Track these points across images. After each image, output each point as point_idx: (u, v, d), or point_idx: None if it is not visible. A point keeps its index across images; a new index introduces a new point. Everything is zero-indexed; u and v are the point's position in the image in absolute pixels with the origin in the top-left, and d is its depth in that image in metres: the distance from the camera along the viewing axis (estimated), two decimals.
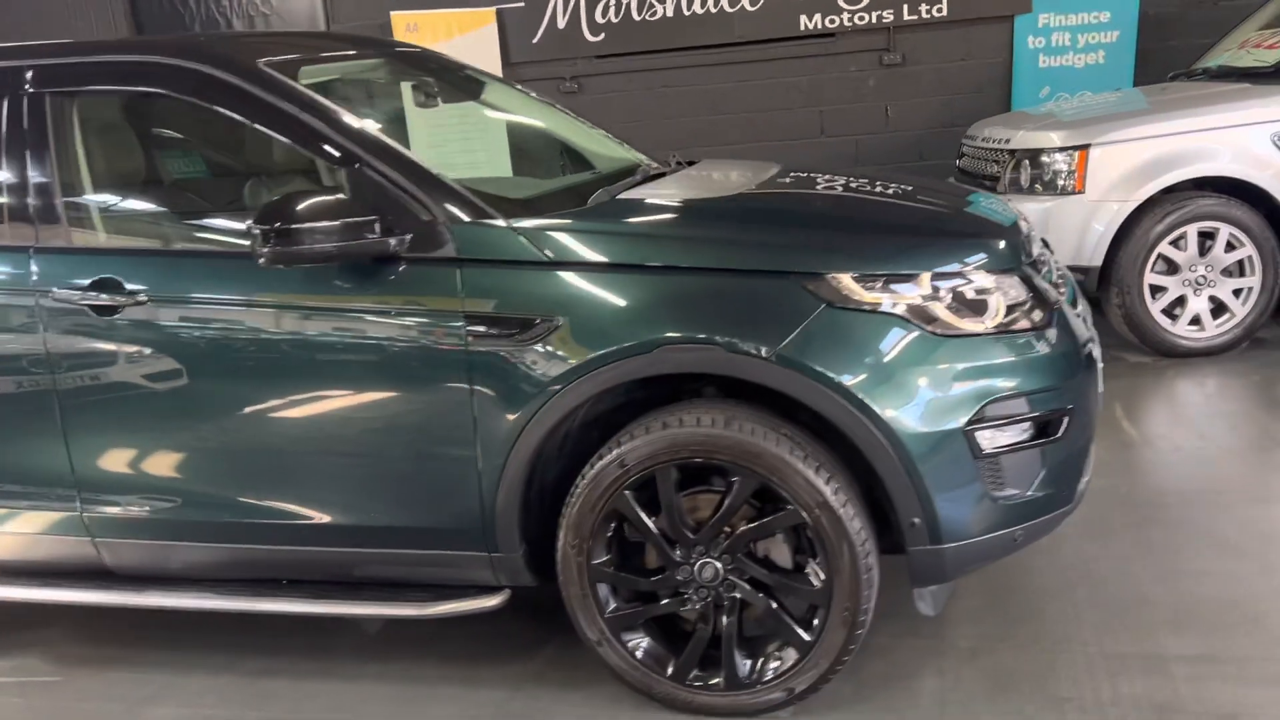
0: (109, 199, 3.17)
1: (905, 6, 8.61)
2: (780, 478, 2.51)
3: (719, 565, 2.63)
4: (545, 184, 3.51)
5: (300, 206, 2.58)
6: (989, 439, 2.53)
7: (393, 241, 2.65)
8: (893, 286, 2.54)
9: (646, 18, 8.93)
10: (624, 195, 3.02)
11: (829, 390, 2.46)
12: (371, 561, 2.94)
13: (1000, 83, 8.71)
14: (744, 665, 2.69)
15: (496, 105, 4.19)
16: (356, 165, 2.73)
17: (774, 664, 2.68)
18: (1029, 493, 2.61)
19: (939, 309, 2.53)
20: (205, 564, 3.06)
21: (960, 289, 2.57)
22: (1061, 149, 5.51)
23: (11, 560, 3.21)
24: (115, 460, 3.00)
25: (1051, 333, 2.62)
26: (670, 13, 9.05)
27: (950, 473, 2.50)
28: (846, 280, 2.52)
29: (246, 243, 2.69)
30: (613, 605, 2.75)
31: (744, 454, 2.53)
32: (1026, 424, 2.57)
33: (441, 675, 3.05)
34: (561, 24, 9.24)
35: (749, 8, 8.89)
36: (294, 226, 2.57)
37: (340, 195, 2.68)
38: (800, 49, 8.73)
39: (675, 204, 3.05)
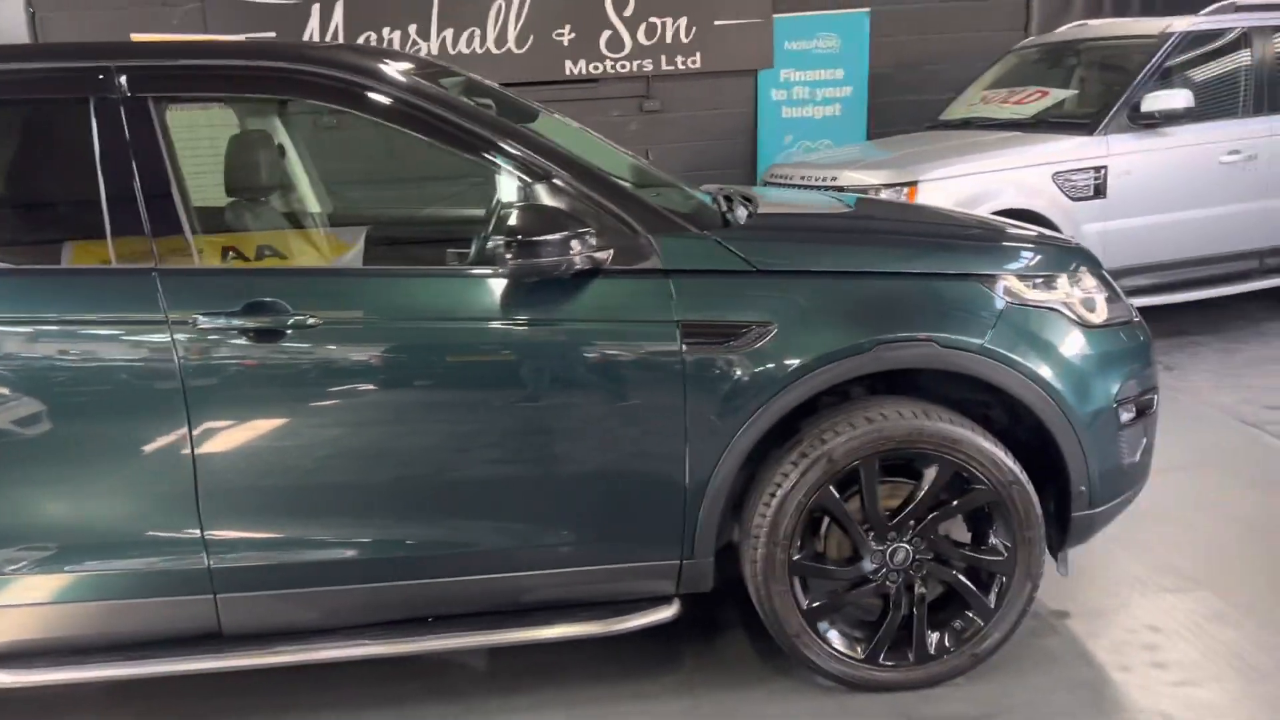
0: (243, 214, 2.85)
1: (663, 58, 9.22)
2: (976, 461, 2.80)
3: (909, 548, 2.86)
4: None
5: (538, 219, 2.53)
6: (1124, 414, 2.97)
7: (601, 254, 2.65)
8: (1045, 286, 2.91)
9: None
10: (771, 210, 3.18)
11: (1024, 377, 2.79)
12: (548, 584, 2.85)
13: (748, 131, 9.55)
14: (932, 639, 2.92)
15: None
16: (553, 180, 2.70)
17: (957, 634, 2.93)
18: (1138, 461, 3.07)
19: (1076, 305, 2.94)
20: (350, 609, 2.81)
21: (1081, 288, 3.00)
22: (890, 185, 6.23)
23: (97, 634, 2.75)
24: (255, 502, 2.69)
25: (1139, 323, 3.12)
26: (435, 51, 9.08)
27: (1104, 444, 2.91)
28: (1015, 280, 2.87)
29: (425, 259, 2.58)
30: (807, 599, 2.88)
31: (946, 441, 2.79)
32: (1138, 401, 3.04)
33: (611, 694, 3.00)
34: None
35: (516, 51, 9.13)
36: (536, 239, 2.51)
37: (558, 208, 2.63)
38: (565, 93, 9.07)
39: (844, 216, 3.25)
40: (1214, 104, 6.62)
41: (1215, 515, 3.92)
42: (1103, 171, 6.41)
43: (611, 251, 2.68)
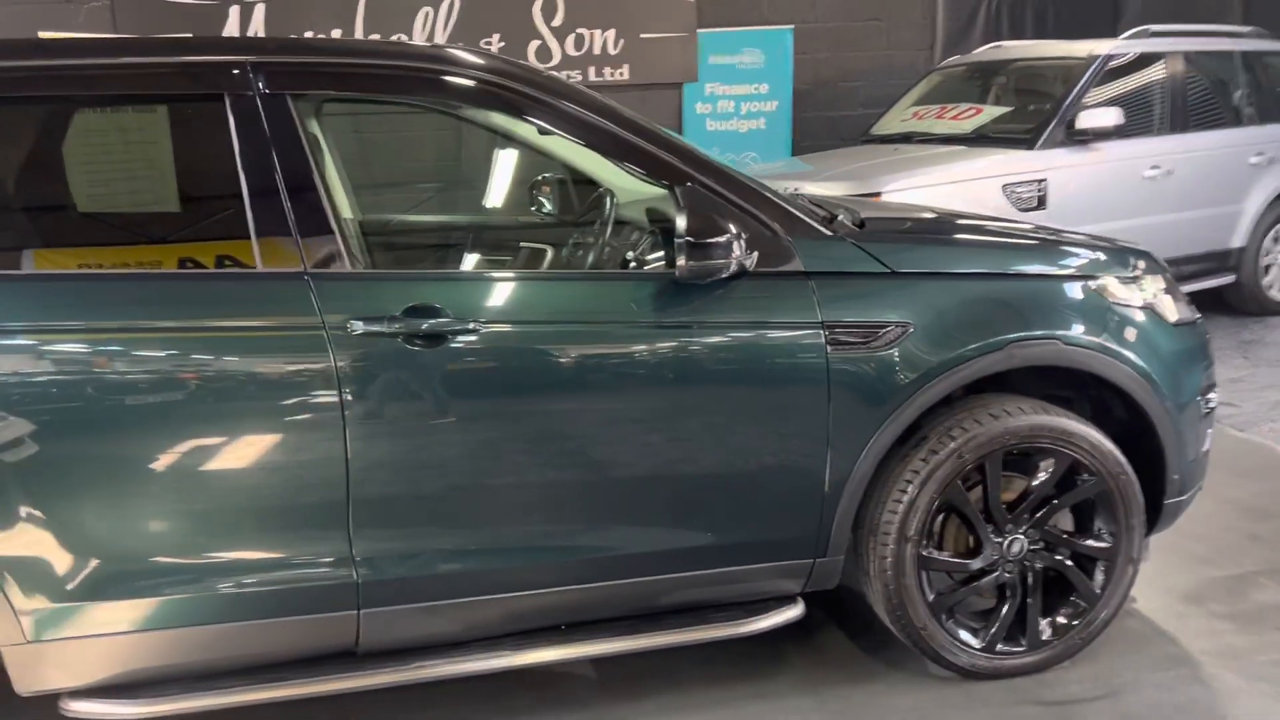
0: (391, 217, 2.74)
1: (592, 69, 9.27)
2: (1089, 454, 2.94)
3: (1024, 539, 2.98)
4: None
5: (706, 222, 2.55)
6: (1204, 407, 3.17)
7: (752, 257, 2.68)
8: (1136, 287, 3.09)
9: None
10: (882, 215, 3.25)
11: (1133, 371, 2.95)
12: (686, 586, 2.85)
13: None
14: (1043, 625, 3.05)
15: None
16: (699, 184, 2.71)
17: (1066, 620, 3.06)
18: (1206, 451, 3.29)
19: (1160, 304, 3.13)
20: (489, 620, 2.75)
21: (1160, 290, 3.19)
22: (855, 195, 6.42)
23: (231, 657, 2.61)
24: (405, 513, 2.60)
25: (1202, 322, 3.34)
26: None
27: (1190, 434, 3.11)
28: (1114, 282, 3.04)
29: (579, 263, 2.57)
30: (931, 592, 2.96)
31: (1063, 436, 2.92)
32: (1208, 394, 3.25)
33: (732, 695, 3.01)
34: None
35: None
36: (707, 241, 2.53)
37: (720, 212, 2.65)
38: None
39: (950, 222, 3.36)
40: (1136, 122, 7.08)
41: (1218, 501, 4.17)
42: (1044, 184, 6.77)
43: (757, 254, 2.71)
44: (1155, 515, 3.12)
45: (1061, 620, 3.07)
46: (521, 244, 3.19)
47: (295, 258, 2.50)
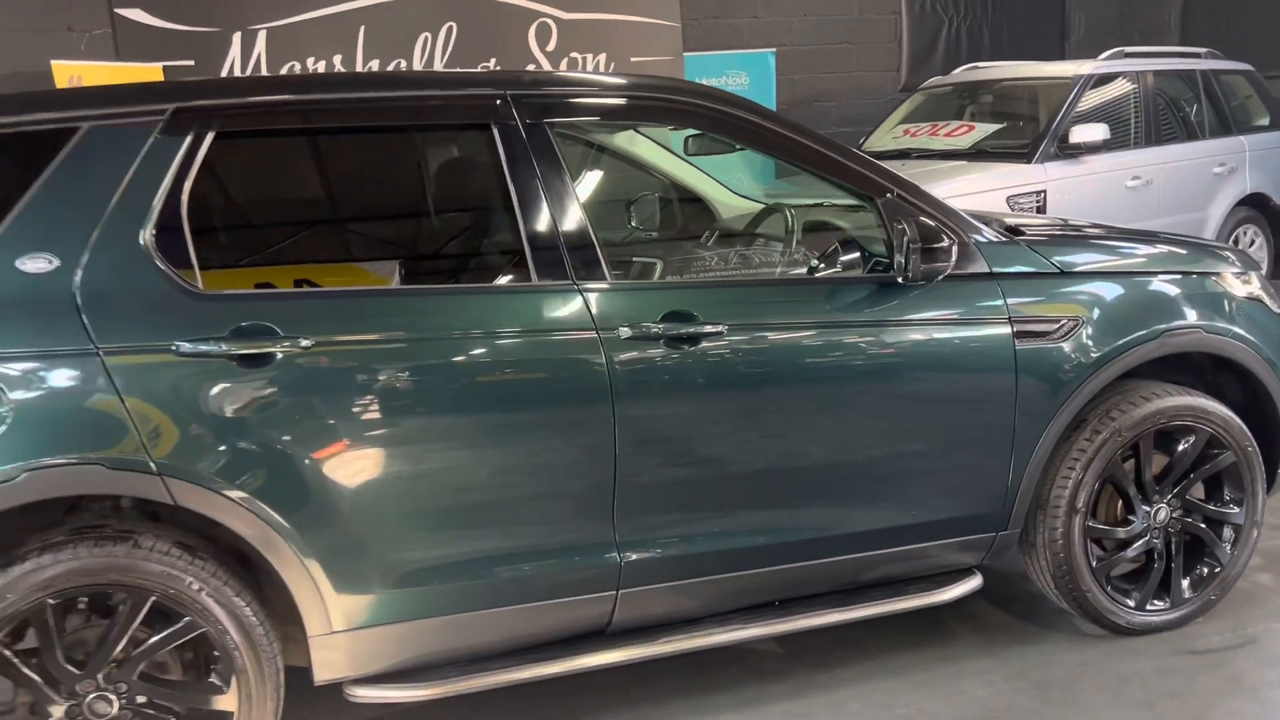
0: (635, 232, 2.98)
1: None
2: (1225, 430, 3.32)
3: (1168, 508, 3.34)
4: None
5: (927, 229, 2.86)
6: None
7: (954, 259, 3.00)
8: (1247, 281, 3.49)
9: (279, 74, 8.78)
10: (1030, 222, 3.60)
11: (1259, 355, 3.34)
12: (886, 562, 3.13)
13: None
14: (1184, 585, 3.41)
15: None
16: (897, 196, 3.02)
17: (1201, 579, 3.43)
18: None
19: (1265, 296, 3.53)
20: (722, 596, 2.99)
21: (1260, 283, 3.59)
22: None
23: (500, 640, 2.80)
24: (666, 498, 2.83)
25: None
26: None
27: None
28: (1229, 276, 3.43)
29: (806, 269, 2.87)
30: (1094, 559, 3.30)
31: (1204, 414, 3.29)
32: None
33: (920, 659, 3.30)
34: None
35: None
36: (934, 246, 2.84)
37: (933, 220, 2.96)
38: None
39: (1092, 227, 3.70)
40: (1117, 136, 7.63)
41: None
42: (1043, 195, 7.25)
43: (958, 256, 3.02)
44: (1270, 482, 3.51)
45: (1199, 579, 3.43)
46: (739, 253, 3.46)
47: (565, 271, 2.72)
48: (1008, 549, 3.27)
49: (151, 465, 2.38)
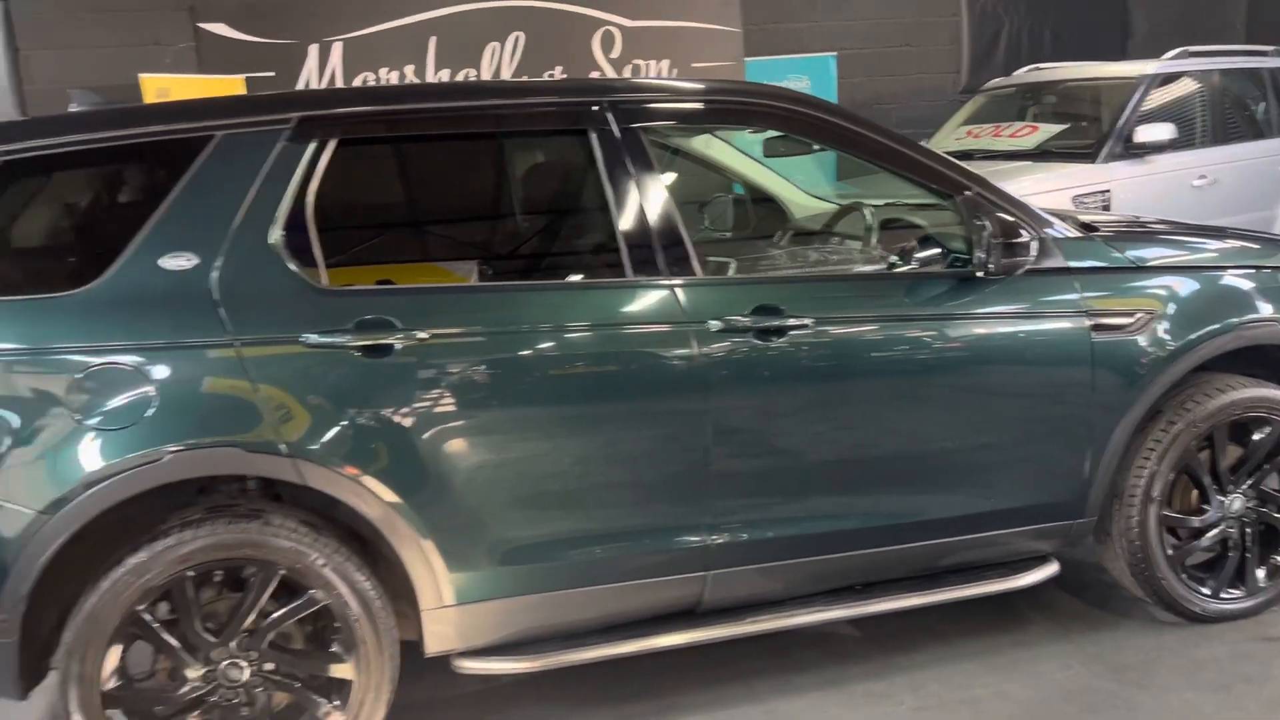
0: (717, 231, 3.14)
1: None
2: None
3: (1243, 497, 3.41)
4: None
5: (1010, 225, 2.97)
6: None
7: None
8: None
9: (392, 84, 9.00)
10: (1098, 217, 3.69)
11: None
12: (965, 548, 3.24)
13: None
14: (1259, 573, 3.48)
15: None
16: (974, 192, 3.13)
17: (1275, 567, 3.49)
18: None
19: None
20: (805, 579, 3.11)
21: None
22: None
23: (597, 617, 2.95)
24: (754, 484, 2.97)
25: None
26: None
27: None
28: None
29: (888, 264, 3.05)
30: (1169, 548, 3.38)
31: (1276, 406, 3.36)
32: None
33: (994, 645, 3.40)
34: None
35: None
36: (1015, 241, 2.95)
37: (1015, 216, 3.06)
38: None
39: (1166, 225, 3.78)
40: (1183, 135, 7.63)
41: None
42: (1108, 195, 7.28)
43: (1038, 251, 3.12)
44: None
45: (1275, 568, 3.49)
46: (818, 250, 3.59)
47: (658, 267, 2.87)
48: (1083, 537, 3.36)
49: (282, 448, 2.57)
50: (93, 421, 2.49)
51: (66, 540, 2.49)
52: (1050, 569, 3.32)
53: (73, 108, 3.46)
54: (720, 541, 2.94)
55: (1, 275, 2.68)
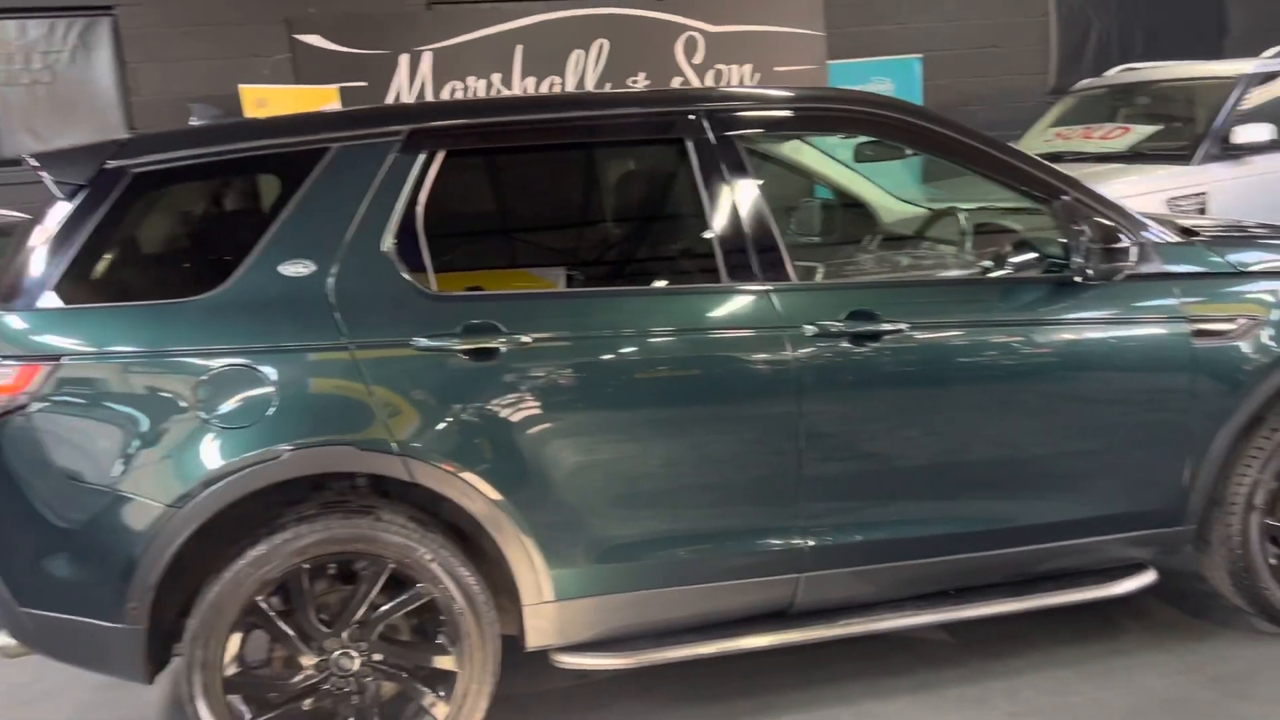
0: (809, 236, 3.19)
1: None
2: None
3: None
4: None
5: (1109, 230, 2.96)
6: None
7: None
8: None
9: (492, 96, 9.15)
10: (1198, 222, 3.65)
11: None
12: (1062, 554, 3.22)
13: None
14: None
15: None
16: (1072, 197, 3.12)
17: None
18: None
19: None
20: (898, 583, 3.12)
21: None
22: None
23: (692, 615, 3.01)
24: (847, 487, 2.99)
25: None
26: None
27: None
28: None
29: (981, 269, 3.05)
30: (1272, 557, 3.32)
31: None
32: None
33: (1088, 652, 3.38)
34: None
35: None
36: (1115, 246, 2.94)
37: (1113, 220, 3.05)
38: None
39: (1268, 229, 3.74)
40: None
41: None
42: (1204, 197, 7.11)
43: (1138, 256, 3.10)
44: None
45: None
46: (911, 254, 3.62)
47: (753, 273, 2.92)
48: (1182, 546, 3.32)
49: (393, 446, 2.67)
50: (217, 420, 2.62)
51: (192, 533, 2.62)
52: (1147, 577, 3.29)
53: (193, 121, 3.63)
54: (813, 544, 2.97)
55: (132, 282, 2.83)
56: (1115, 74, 8.65)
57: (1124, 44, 10.75)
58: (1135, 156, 7.49)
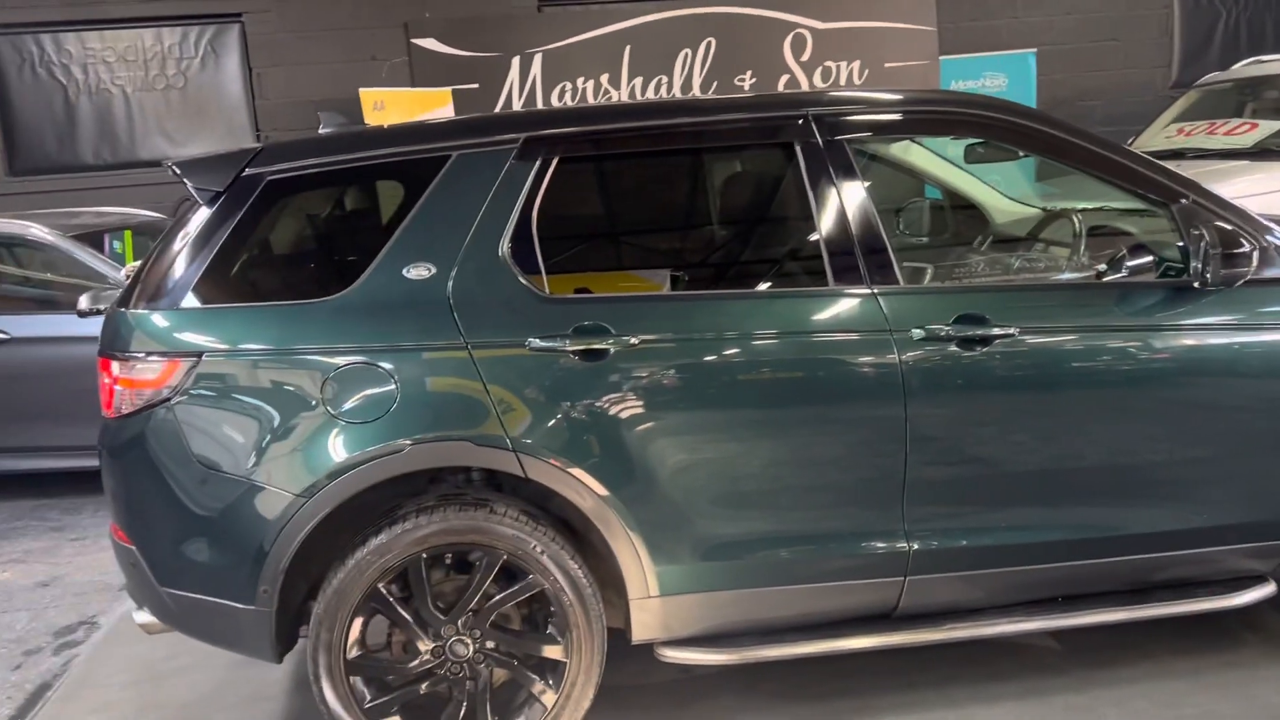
0: (918, 238, 3.20)
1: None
2: None
3: None
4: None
5: (1228, 235, 2.90)
6: None
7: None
8: None
9: (602, 103, 9.27)
10: None
11: None
12: (1176, 564, 3.15)
13: None
14: None
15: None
16: (1190, 200, 3.05)
17: None
18: None
19: None
20: (1006, 589, 3.11)
21: None
22: None
23: (796, 615, 3.05)
24: (954, 492, 2.99)
25: None
26: (625, 98, 9.46)
27: None
28: None
29: (1094, 274, 3.03)
30: None
31: None
32: None
33: (1199, 665, 3.31)
34: (517, 107, 9.36)
35: (700, 96, 9.52)
36: (1235, 251, 2.87)
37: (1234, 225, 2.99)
38: None
39: None
40: None
41: None
42: None
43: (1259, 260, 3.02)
44: None
45: None
46: (1022, 257, 3.60)
47: (861, 276, 2.95)
48: None
49: (508, 442, 2.78)
50: (343, 415, 2.76)
51: (319, 521, 2.76)
52: (1267, 589, 3.21)
53: (323, 130, 3.80)
54: (919, 548, 2.98)
55: (265, 283, 2.99)
56: (1243, 67, 8.35)
57: (1253, 36, 10.37)
58: (1262, 153, 7.23)
